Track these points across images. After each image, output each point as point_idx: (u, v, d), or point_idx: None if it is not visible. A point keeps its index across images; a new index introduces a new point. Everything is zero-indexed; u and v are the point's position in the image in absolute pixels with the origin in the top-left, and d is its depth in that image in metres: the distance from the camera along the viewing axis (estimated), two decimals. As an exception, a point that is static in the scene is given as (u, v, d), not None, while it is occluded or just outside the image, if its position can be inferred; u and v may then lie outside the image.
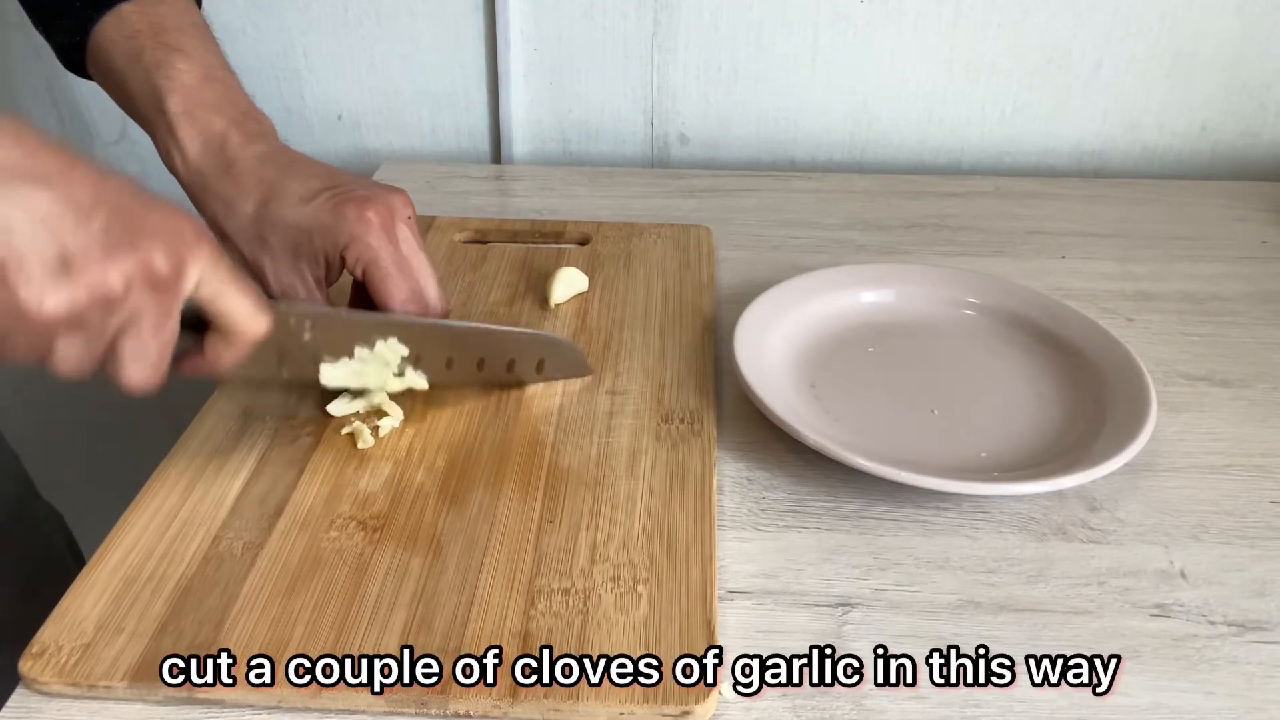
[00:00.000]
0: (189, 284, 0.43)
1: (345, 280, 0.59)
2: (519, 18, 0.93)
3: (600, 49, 0.94)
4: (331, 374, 0.54)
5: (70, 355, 0.41)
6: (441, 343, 0.58)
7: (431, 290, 0.58)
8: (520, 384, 0.61)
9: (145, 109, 0.58)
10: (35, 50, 0.98)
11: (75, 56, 0.60)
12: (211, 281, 0.44)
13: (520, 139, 0.99)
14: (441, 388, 0.59)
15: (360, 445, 0.56)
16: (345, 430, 0.57)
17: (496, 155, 1.01)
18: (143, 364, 0.43)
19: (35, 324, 0.39)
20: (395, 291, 0.56)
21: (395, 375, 0.57)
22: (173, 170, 0.58)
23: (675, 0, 0.91)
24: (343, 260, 0.56)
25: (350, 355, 0.55)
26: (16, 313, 0.39)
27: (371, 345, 0.55)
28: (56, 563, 0.78)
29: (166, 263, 0.42)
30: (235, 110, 0.58)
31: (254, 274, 0.57)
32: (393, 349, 0.56)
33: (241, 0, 0.93)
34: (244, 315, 0.46)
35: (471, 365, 0.59)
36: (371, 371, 0.56)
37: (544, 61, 0.95)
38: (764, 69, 0.95)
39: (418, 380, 0.57)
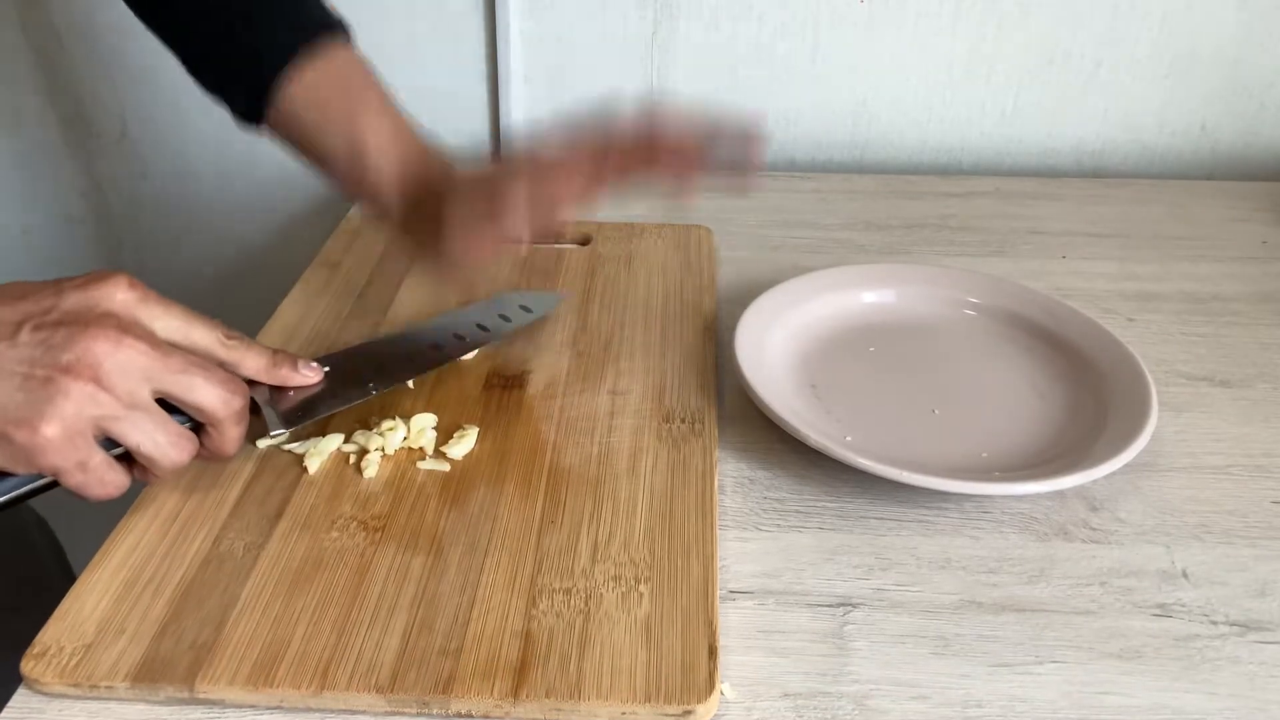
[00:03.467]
0: (139, 397, 0.44)
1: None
2: (519, 17, 0.93)
3: (600, 49, 0.94)
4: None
5: (88, 480, 0.44)
6: (391, 351, 0.61)
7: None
8: (490, 342, 0.65)
9: (340, 152, 0.59)
10: (35, 50, 0.98)
11: (255, 115, 0.61)
12: (165, 384, 0.45)
13: (520, 139, 0.99)
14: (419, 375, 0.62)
15: (367, 475, 0.55)
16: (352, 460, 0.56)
17: (497, 155, 1.00)
18: (162, 451, 0.45)
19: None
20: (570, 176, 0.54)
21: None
22: (371, 193, 0.60)
23: (675, 0, 0.91)
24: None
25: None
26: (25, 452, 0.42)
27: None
28: (42, 568, 0.78)
29: (87, 374, 0.42)
30: (416, 134, 0.62)
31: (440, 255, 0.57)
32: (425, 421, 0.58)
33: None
34: (214, 401, 0.47)
35: (428, 349, 0.61)
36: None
37: (544, 61, 0.95)
38: (764, 69, 0.95)
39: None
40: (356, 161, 0.59)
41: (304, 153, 0.61)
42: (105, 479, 0.44)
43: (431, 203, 0.57)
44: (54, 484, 0.45)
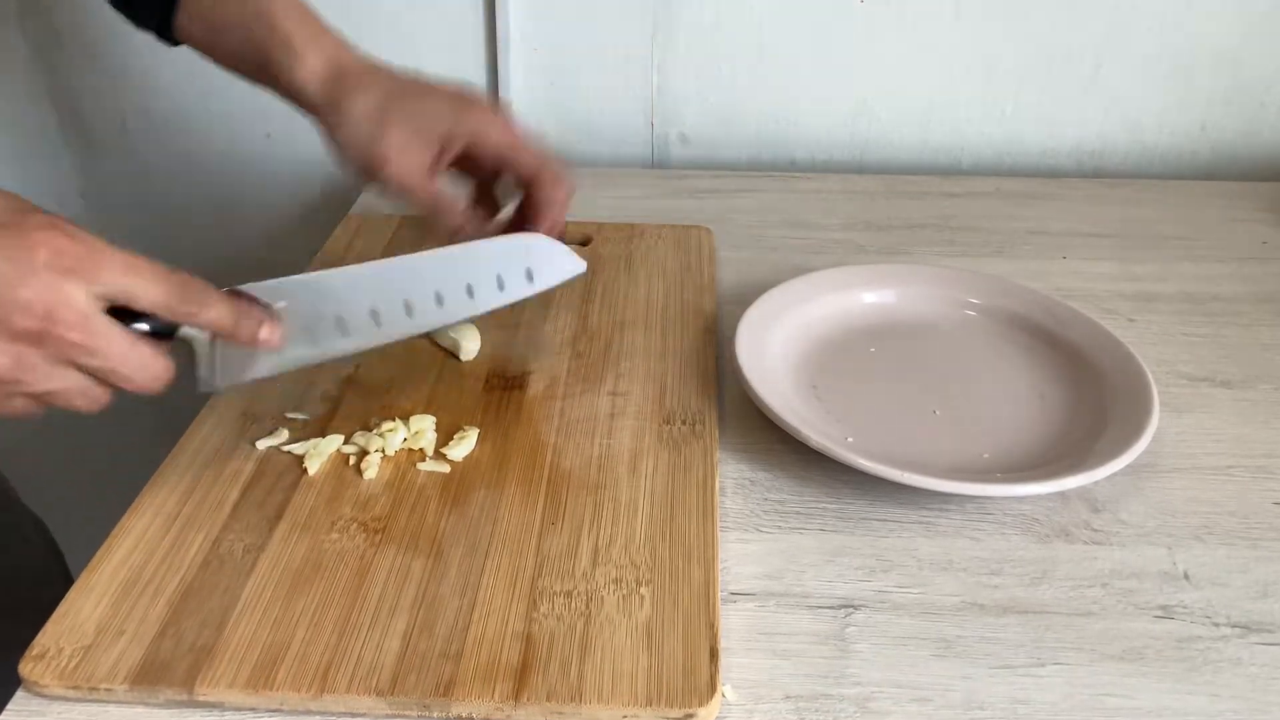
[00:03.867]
0: (79, 312, 0.42)
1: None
2: (519, 18, 0.93)
3: (600, 49, 0.94)
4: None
5: (14, 408, 0.43)
6: (426, 276, 0.56)
7: (558, 163, 0.61)
8: (508, 303, 0.59)
9: (254, 34, 0.59)
10: (35, 50, 0.98)
11: (167, 20, 0.62)
12: (112, 289, 0.43)
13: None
14: (439, 335, 0.61)
15: (367, 476, 0.54)
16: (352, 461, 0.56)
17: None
18: (127, 378, 0.44)
19: None
20: (528, 158, 0.60)
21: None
22: (291, 82, 0.59)
23: (675, 0, 0.91)
24: (471, 144, 0.59)
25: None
26: None
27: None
28: (41, 570, 0.78)
29: (28, 317, 0.41)
30: (335, 33, 0.61)
31: (369, 152, 0.58)
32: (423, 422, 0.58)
33: (240, 0, 0.93)
34: (168, 299, 0.44)
35: (462, 293, 0.57)
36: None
37: (544, 62, 0.95)
38: (764, 69, 0.94)
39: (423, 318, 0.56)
40: (274, 49, 0.59)
41: (221, 54, 0.61)
42: (91, 393, 0.44)
43: (363, 106, 0.58)
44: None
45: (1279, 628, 0.47)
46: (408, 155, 0.58)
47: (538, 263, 0.60)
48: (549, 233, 0.60)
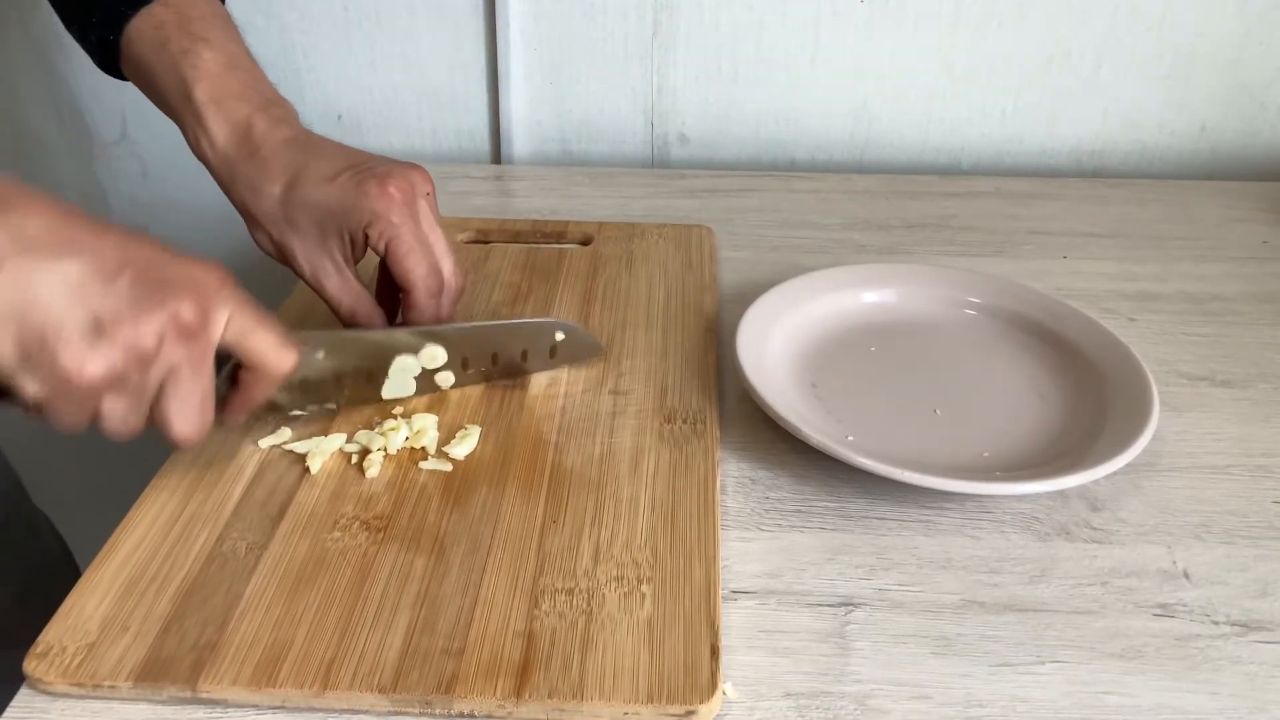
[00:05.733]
0: (218, 330, 0.45)
1: (371, 260, 0.60)
2: (519, 18, 0.93)
3: (600, 49, 0.94)
4: (390, 387, 0.59)
5: (116, 415, 0.43)
6: (456, 345, 0.59)
7: (448, 266, 0.59)
8: (528, 372, 0.63)
9: (173, 98, 0.58)
10: (35, 50, 0.98)
11: (109, 56, 0.61)
12: (238, 324, 0.46)
13: (520, 139, 0.99)
14: (458, 387, 0.61)
15: (369, 474, 0.55)
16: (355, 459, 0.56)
17: (496, 155, 1.01)
18: (187, 414, 0.45)
19: (78, 388, 0.41)
20: (415, 266, 0.57)
21: (419, 378, 0.59)
22: (201, 157, 0.59)
23: (675, 0, 0.91)
24: (366, 237, 0.57)
25: (376, 369, 0.58)
26: (60, 379, 0.41)
27: (396, 356, 0.58)
28: (51, 566, 0.78)
29: (194, 312, 0.43)
30: (259, 97, 0.59)
31: (282, 256, 0.59)
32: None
33: (241, 0, 0.93)
34: (271, 349, 0.48)
35: (486, 361, 0.61)
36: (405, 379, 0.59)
37: (544, 61, 0.95)
38: (764, 69, 0.95)
39: (444, 379, 0.60)
40: (183, 94, 0.58)
41: (151, 95, 0.61)
42: (129, 419, 0.44)
43: (266, 205, 0.58)
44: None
45: (1278, 626, 0.48)
46: (317, 263, 0.58)
47: (561, 342, 0.62)
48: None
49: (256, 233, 0.59)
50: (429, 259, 0.58)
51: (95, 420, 0.43)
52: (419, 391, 0.60)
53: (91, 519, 0.60)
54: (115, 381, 0.42)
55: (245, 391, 0.49)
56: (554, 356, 0.62)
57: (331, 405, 0.59)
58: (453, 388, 0.61)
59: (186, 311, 0.43)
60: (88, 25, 0.60)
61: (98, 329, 0.41)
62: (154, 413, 0.45)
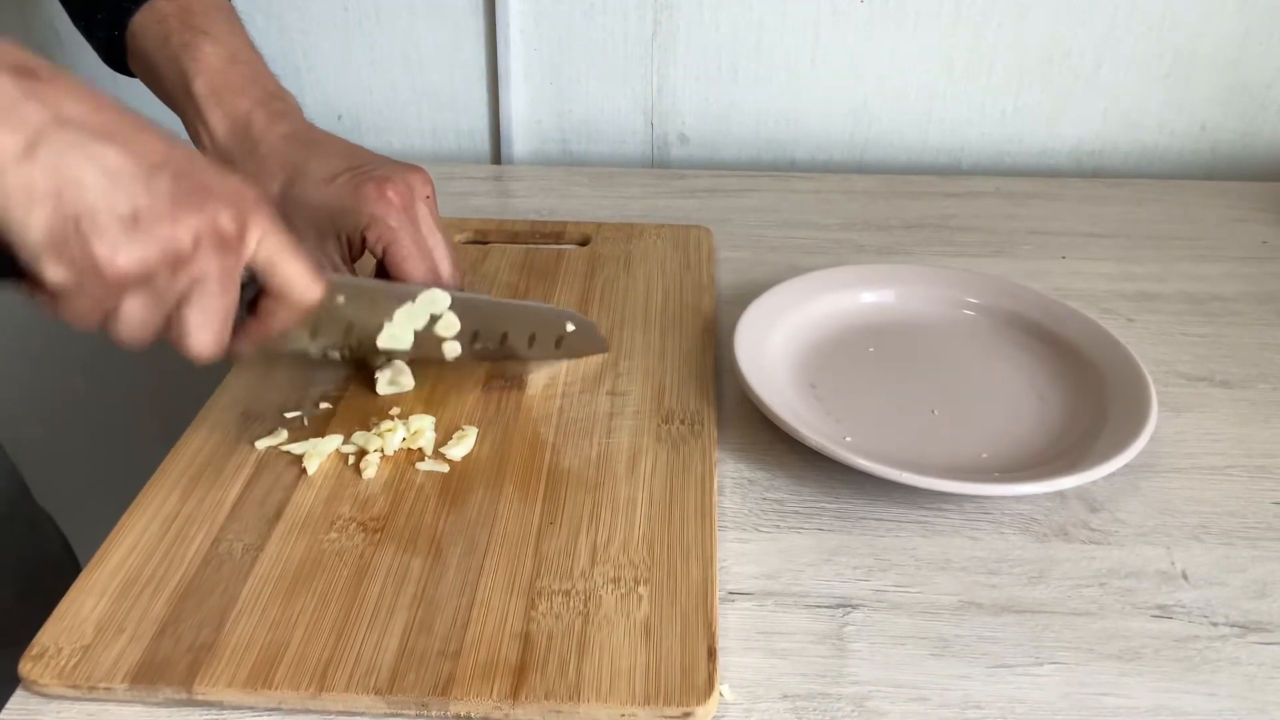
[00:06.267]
0: (251, 246, 0.44)
1: (368, 259, 0.60)
2: (519, 18, 0.93)
3: (600, 49, 0.94)
4: (389, 333, 0.56)
5: (135, 317, 0.42)
6: (469, 315, 0.58)
7: (446, 270, 0.59)
8: (528, 360, 0.62)
9: (174, 92, 0.58)
10: (35, 49, 0.98)
11: (116, 52, 0.61)
12: (270, 246, 0.45)
13: (520, 139, 0.99)
14: (463, 363, 0.60)
15: (366, 475, 0.54)
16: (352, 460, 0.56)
17: (496, 155, 1.01)
18: (208, 328, 0.43)
19: (106, 279, 0.39)
20: (413, 270, 0.57)
21: (425, 331, 0.57)
22: (201, 151, 0.58)
23: (675, 0, 0.91)
24: (364, 240, 0.57)
25: (387, 320, 0.56)
26: (89, 267, 0.39)
27: (413, 299, 0.56)
28: (53, 565, 0.78)
29: (231, 223, 0.42)
30: (261, 91, 0.59)
31: None
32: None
33: (241, 0, 0.93)
34: (300, 280, 0.47)
35: (496, 339, 0.59)
36: (409, 326, 0.57)
37: (544, 61, 0.95)
38: (764, 69, 0.94)
39: (451, 348, 0.58)
40: (183, 88, 0.58)
41: (155, 90, 0.60)
42: (145, 319, 0.43)
43: (266, 162, 0.57)
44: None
45: (1277, 627, 0.48)
46: (310, 259, 0.57)
47: (570, 334, 0.61)
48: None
49: None
50: (426, 263, 0.58)
51: (109, 320, 0.42)
52: (416, 350, 0.57)
53: (95, 517, 0.60)
54: (143, 279, 0.40)
55: (265, 319, 0.48)
56: (559, 347, 0.62)
57: (335, 354, 0.58)
58: (455, 359, 0.59)
59: (224, 220, 0.42)
60: (94, 22, 0.60)
61: (135, 221, 0.39)
62: (172, 323, 0.43)
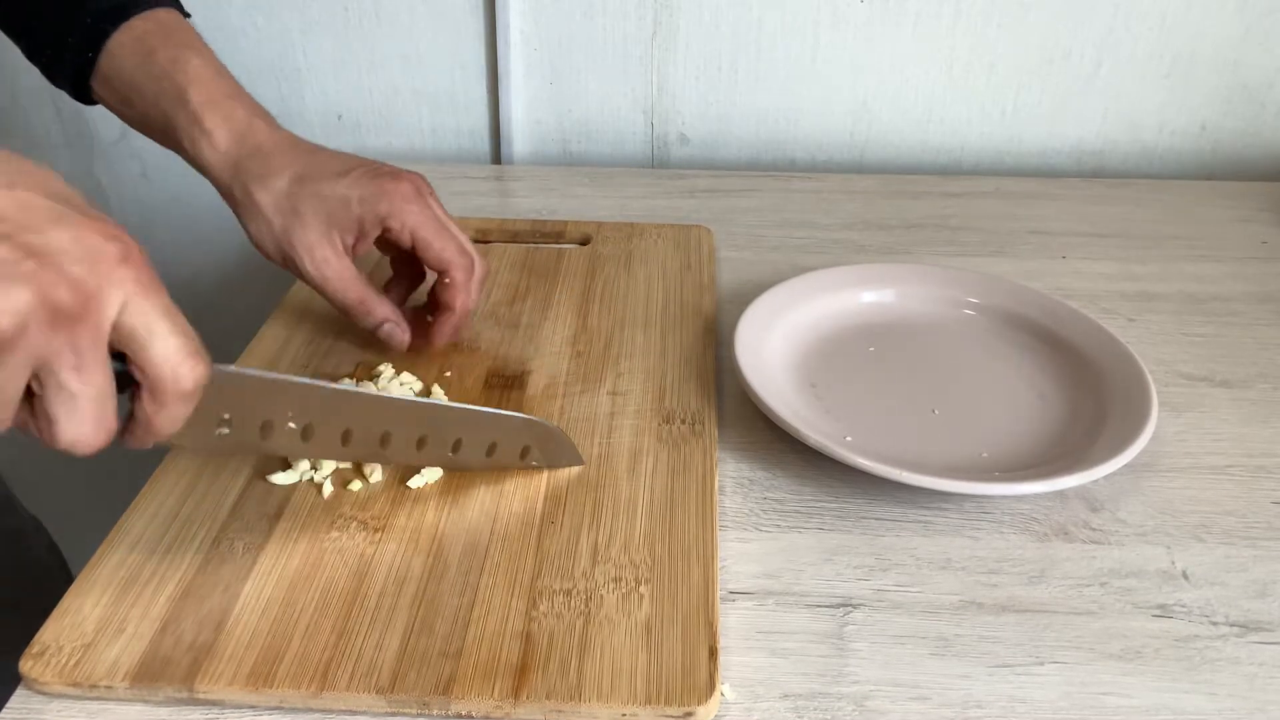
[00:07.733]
0: (109, 313, 0.35)
1: (368, 259, 0.61)
2: (519, 18, 0.93)
3: (600, 49, 0.94)
4: (285, 478, 0.53)
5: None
6: (414, 421, 0.51)
7: (470, 247, 0.61)
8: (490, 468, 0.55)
9: (164, 105, 0.59)
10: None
11: (83, 78, 0.60)
12: (136, 312, 0.36)
13: (520, 139, 0.99)
14: (411, 468, 0.54)
15: (372, 480, 0.54)
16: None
17: (496, 155, 1.01)
18: (74, 420, 0.36)
19: None
20: (447, 246, 0.59)
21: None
22: (198, 159, 0.59)
23: (675, 0, 0.91)
24: (384, 229, 0.58)
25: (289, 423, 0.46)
26: None
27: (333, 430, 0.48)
28: (40, 570, 0.78)
29: (72, 293, 0.34)
30: (251, 101, 0.61)
31: (281, 249, 0.59)
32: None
33: (241, 0, 0.93)
34: (170, 360, 0.37)
35: (446, 447, 0.52)
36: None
37: (544, 61, 0.95)
38: (764, 69, 0.94)
39: (376, 474, 0.54)
40: (181, 123, 0.58)
41: (127, 108, 0.60)
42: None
43: (272, 197, 0.58)
44: None
45: (1277, 627, 0.48)
46: (320, 251, 0.58)
47: (538, 446, 0.54)
48: (460, 313, 0.61)
49: (257, 225, 0.59)
50: (455, 244, 0.60)
51: None
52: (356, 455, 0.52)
53: (87, 524, 0.59)
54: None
55: (138, 412, 0.38)
56: (524, 459, 0.54)
57: (308, 466, 0.54)
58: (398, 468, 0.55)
59: (62, 291, 0.34)
60: (64, 47, 0.59)
61: None
62: (35, 413, 0.36)
